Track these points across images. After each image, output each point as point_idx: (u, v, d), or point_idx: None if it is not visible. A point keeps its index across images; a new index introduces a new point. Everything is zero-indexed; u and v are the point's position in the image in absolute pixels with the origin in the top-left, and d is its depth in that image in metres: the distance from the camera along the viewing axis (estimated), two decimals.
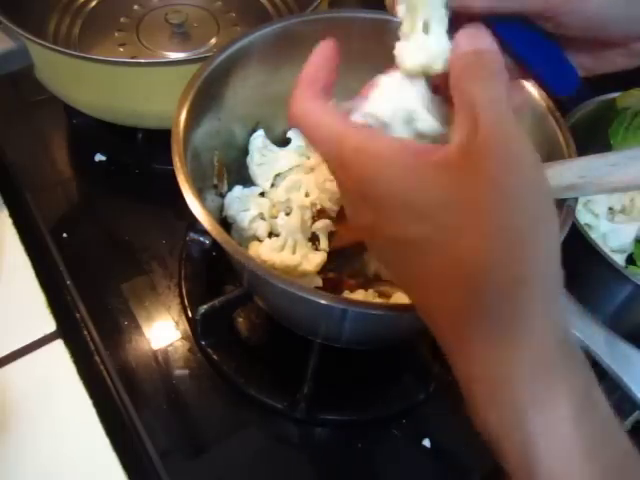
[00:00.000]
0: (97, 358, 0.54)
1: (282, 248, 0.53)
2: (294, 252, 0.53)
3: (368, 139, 0.27)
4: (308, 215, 0.56)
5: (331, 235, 0.56)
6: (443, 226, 0.24)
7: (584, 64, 0.33)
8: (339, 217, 0.56)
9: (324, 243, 0.55)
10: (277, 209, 0.57)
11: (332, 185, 0.55)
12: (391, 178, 0.26)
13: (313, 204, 0.57)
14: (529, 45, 0.30)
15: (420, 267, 0.26)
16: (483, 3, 0.28)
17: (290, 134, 0.61)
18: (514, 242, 0.24)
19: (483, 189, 0.24)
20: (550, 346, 0.24)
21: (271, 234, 0.56)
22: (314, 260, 0.53)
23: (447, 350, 0.26)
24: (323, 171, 0.57)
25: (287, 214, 0.56)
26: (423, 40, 0.29)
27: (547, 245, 0.24)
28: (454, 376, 0.26)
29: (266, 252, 0.52)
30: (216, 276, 0.58)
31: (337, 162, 0.28)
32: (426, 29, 0.29)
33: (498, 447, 0.24)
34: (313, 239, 0.56)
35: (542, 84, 0.33)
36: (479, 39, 0.28)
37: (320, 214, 0.57)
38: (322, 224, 0.56)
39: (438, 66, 0.29)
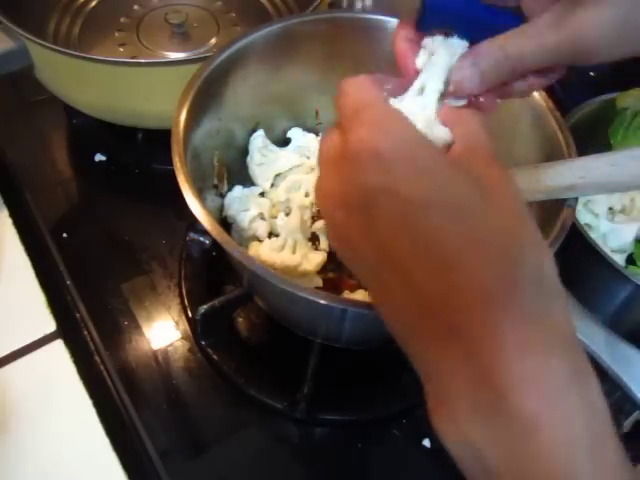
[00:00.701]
0: (97, 358, 0.54)
1: (282, 248, 0.53)
2: (294, 252, 0.53)
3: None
4: (308, 215, 0.56)
5: None
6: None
7: None
8: None
9: (324, 243, 0.55)
10: (277, 209, 0.58)
11: None
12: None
13: (313, 204, 0.57)
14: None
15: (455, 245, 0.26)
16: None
17: (290, 134, 0.61)
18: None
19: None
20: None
21: (271, 234, 0.56)
22: (314, 260, 0.53)
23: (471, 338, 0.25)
24: None
25: (287, 214, 0.56)
26: (413, 100, 0.32)
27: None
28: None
29: (266, 252, 0.52)
30: (216, 276, 0.58)
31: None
32: (421, 91, 0.33)
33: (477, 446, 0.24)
34: (313, 239, 0.56)
35: None
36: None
37: (320, 214, 0.57)
38: (322, 224, 0.55)
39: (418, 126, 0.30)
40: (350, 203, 0.27)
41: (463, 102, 0.32)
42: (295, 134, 0.61)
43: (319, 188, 0.30)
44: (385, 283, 0.27)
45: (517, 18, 0.31)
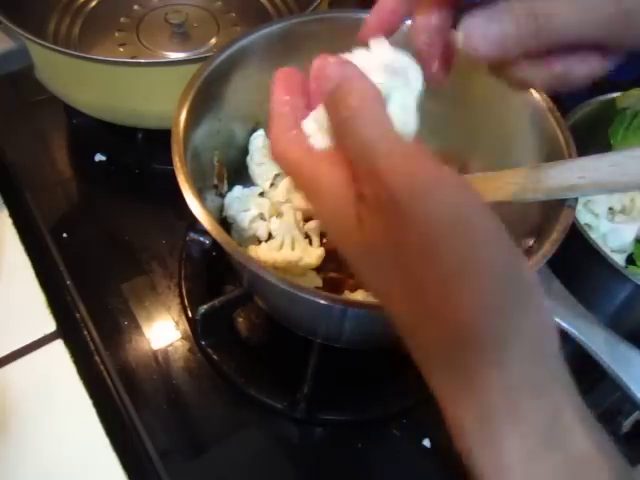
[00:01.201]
0: (97, 358, 0.54)
1: (281, 247, 0.53)
2: (293, 249, 0.53)
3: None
4: (300, 216, 0.56)
5: (323, 235, 0.56)
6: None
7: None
8: None
9: (316, 243, 0.55)
10: (276, 209, 0.57)
11: None
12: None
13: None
14: None
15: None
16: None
17: None
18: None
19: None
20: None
21: (270, 235, 0.56)
22: (314, 253, 0.53)
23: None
24: None
25: (277, 217, 0.56)
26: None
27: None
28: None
29: (265, 253, 0.52)
30: (216, 276, 0.58)
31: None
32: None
33: None
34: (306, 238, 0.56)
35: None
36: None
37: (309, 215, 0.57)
38: (314, 224, 0.55)
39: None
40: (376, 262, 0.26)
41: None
42: None
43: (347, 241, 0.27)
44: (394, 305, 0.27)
45: None
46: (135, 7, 0.75)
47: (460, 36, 0.27)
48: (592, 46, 0.27)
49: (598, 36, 0.26)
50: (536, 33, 0.26)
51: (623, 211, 0.61)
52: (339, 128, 0.27)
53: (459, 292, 0.23)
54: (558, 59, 0.28)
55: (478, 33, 0.26)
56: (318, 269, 0.54)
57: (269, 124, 0.30)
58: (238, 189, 0.56)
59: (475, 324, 0.23)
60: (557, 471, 0.23)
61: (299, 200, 0.56)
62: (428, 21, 0.31)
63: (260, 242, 0.55)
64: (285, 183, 0.58)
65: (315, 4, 0.60)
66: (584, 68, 0.28)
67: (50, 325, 0.53)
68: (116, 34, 0.72)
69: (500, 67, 0.29)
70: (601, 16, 0.25)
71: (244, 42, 0.51)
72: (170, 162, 0.42)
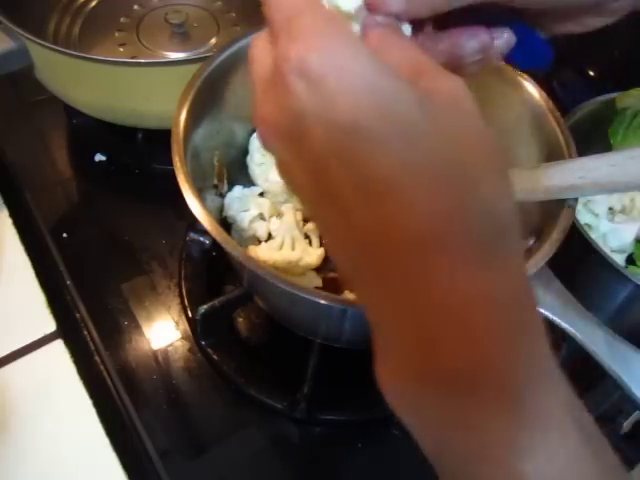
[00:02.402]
0: (97, 358, 0.54)
1: (280, 247, 0.53)
2: (293, 249, 0.53)
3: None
4: (300, 217, 0.56)
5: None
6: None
7: (555, 29, 0.32)
8: None
9: (316, 243, 0.55)
10: (276, 209, 0.57)
11: None
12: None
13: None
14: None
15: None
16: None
17: None
18: None
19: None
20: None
21: (270, 235, 0.56)
22: (315, 252, 0.53)
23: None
24: None
25: (277, 217, 0.56)
26: None
27: None
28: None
29: (265, 253, 0.52)
30: (216, 276, 0.58)
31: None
32: None
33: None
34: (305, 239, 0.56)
35: (518, 64, 0.33)
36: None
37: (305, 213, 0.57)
38: (313, 225, 0.56)
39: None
40: (283, 131, 0.24)
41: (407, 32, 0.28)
42: None
43: (255, 116, 0.25)
44: (324, 215, 0.24)
45: None
46: (135, 7, 0.75)
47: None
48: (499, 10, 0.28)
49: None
50: None
51: (623, 211, 0.61)
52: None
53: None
54: (450, 36, 0.29)
55: None
56: (318, 269, 0.54)
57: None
58: (238, 189, 0.56)
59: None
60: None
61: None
62: None
63: (260, 242, 0.55)
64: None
65: None
66: (473, 43, 0.29)
67: (50, 325, 0.53)
68: (116, 34, 0.72)
69: None
70: None
71: (244, 42, 0.51)
72: (170, 162, 0.42)
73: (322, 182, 0.23)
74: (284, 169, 0.25)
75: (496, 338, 0.21)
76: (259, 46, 0.27)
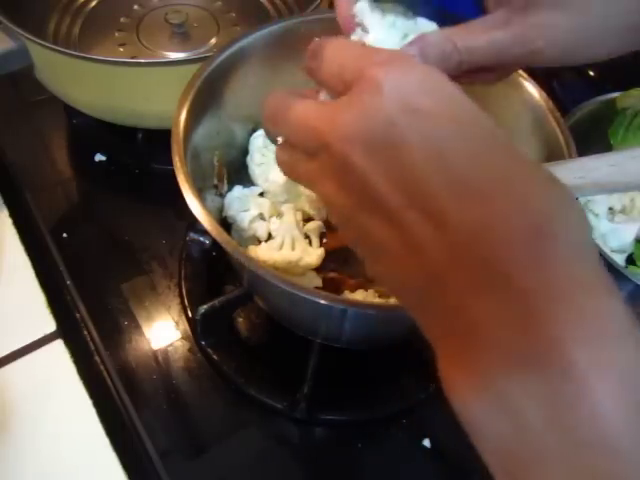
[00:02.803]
0: (97, 358, 0.54)
1: (280, 247, 0.53)
2: (293, 249, 0.53)
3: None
4: (300, 217, 0.56)
5: (323, 236, 0.56)
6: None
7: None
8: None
9: (316, 243, 0.55)
10: (276, 209, 0.57)
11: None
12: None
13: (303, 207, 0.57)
14: None
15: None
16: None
17: None
18: None
19: None
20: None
21: (270, 235, 0.56)
22: (315, 252, 0.53)
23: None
24: None
25: (277, 217, 0.56)
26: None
27: None
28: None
29: (265, 253, 0.52)
30: (216, 276, 0.58)
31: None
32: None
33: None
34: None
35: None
36: None
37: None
38: (313, 225, 0.56)
39: None
40: (373, 139, 0.24)
41: None
42: None
43: (337, 131, 0.25)
44: (410, 229, 0.24)
45: (479, 10, 0.31)
46: (135, 7, 0.75)
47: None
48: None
49: (508, 60, 0.32)
50: (458, 64, 0.31)
51: (623, 211, 0.61)
52: (312, 59, 0.27)
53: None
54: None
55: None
56: (318, 269, 0.54)
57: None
58: (238, 189, 0.56)
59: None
60: None
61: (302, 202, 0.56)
62: None
63: (260, 242, 0.55)
64: (285, 183, 0.58)
65: (315, 4, 0.60)
66: (484, 77, 0.34)
67: (50, 325, 0.53)
68: (116, 34, 0.72)
69: None
70: (513, 56, 0.31)
71: (244, 42, 0.51)
72: (170, 162, 0.42)
73: (419, 189, 0.23)
74: (356, 187, 0.25)
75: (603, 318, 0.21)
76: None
